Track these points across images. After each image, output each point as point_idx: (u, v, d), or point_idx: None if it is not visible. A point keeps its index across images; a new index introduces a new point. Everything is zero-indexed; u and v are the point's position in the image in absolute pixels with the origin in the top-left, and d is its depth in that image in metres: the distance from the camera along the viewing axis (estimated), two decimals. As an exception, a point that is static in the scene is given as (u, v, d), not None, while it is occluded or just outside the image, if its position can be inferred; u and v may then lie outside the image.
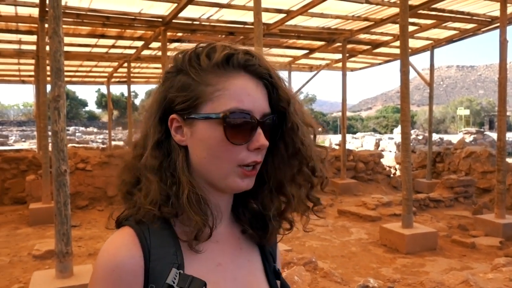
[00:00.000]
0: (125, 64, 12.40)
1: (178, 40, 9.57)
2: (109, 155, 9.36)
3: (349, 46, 10.63)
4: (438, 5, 7.77)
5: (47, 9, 4.82)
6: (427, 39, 10.39)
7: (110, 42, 9.69)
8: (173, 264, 0.71)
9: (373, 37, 10.23)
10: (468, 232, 6.93)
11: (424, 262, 5.53)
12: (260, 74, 0.74)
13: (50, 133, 7.70)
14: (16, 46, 10.06)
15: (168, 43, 8.74)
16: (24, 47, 10.07)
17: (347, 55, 10.79)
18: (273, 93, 0.76)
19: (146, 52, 10.57)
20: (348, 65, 12.20)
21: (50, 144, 7.57)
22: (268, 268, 0.85)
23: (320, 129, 0.84)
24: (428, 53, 11.05)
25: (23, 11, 7.26)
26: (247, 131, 0.72)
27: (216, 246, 0.78)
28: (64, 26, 3.88)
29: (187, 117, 0.73)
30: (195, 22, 8.25)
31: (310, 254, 5.43)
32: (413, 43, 10.25)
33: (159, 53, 9.45)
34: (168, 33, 8.41)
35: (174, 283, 0.69)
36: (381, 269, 5.33)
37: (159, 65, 8.73)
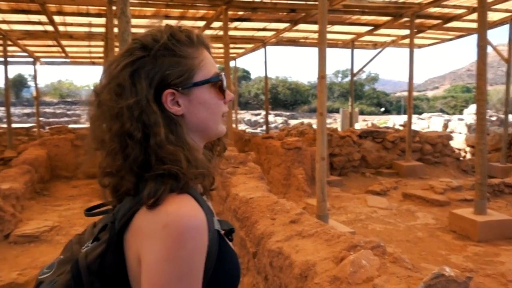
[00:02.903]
0: (188, 45, 12.60)
1: (239, 19, 9.53)
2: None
3: (418, 21, 10.01)
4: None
5: (115, -10, 4.94)
6: (506, 11, 9.51)
7: (173, 22, 9.79)
8: (212, 214, 0.85)
9: (445, 10, 9.53)
10: (549, 221, 6.38)
11: (499, 252, 5.17)
12: (209, 49, 0.94)
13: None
14: (86, 29, 10.54)
15: (229, 22, 8.73)
16: (94, 29, 10.53)
17: (415, 30, 10.17)
18: None
19: (207, 32, 10.65)
20: (416, 41, 11.51)
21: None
22: None
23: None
24: (505, 26, 10.15)
25: (93, -6, 7.56)
26: (223, 89, 0.92)
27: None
28: (130, 8, 3.95)
29: (183, 88, 0.85)
30: (256, 0, 8.14)
31: (374, 238, 5.28)
32: (489, 16, 9.45)
33: (220, 33, 9.46)
34: (230, 12, 8.39)
35: (219, 228, 0.86)
36: (450, 256, 5.07)
37: (220, 45, 8.78)
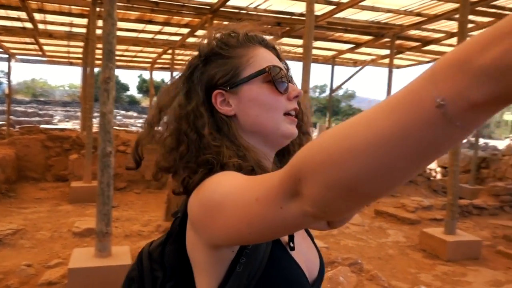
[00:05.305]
0: (170, 51, 12.53)
1: (223, 29, 9.53)
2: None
3: (398, 42, 10.26)
4: (498, 3, 7.34)
5: (100, -9, 4.88)
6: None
7: (156, 28, 9.78)
8: None
9: (424, 33, 9.82)
10: (515, 243, 6.58)
11: (466, 272, 5.29)
12: (271, 46, 0.91)
13: (95, 114, 7.88)
14: (67, 29, 10.34)
15: (213, 31, 8.71)
16: (75, 29, 10.34)
17: (395, 51, 10.42)
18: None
19: (191, 40, 10.62)
20: (395, 61, 11.80)
21: (94, 125, 7.75)
22: (308, 233, 0.96)
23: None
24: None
25: (76, -7, 7.42)
26: (285, 83, 0.84)
27: None
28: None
29: (231, 87, 0.83)
30: (242, 11, 8.18)
31: (346, 253, 5.30)
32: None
33: (205, 41, 9.44)
34: (215, 21, 8.39)
35: None
36: (420, 275, 5.14)
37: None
